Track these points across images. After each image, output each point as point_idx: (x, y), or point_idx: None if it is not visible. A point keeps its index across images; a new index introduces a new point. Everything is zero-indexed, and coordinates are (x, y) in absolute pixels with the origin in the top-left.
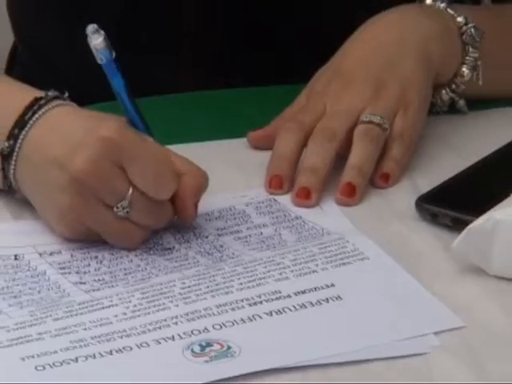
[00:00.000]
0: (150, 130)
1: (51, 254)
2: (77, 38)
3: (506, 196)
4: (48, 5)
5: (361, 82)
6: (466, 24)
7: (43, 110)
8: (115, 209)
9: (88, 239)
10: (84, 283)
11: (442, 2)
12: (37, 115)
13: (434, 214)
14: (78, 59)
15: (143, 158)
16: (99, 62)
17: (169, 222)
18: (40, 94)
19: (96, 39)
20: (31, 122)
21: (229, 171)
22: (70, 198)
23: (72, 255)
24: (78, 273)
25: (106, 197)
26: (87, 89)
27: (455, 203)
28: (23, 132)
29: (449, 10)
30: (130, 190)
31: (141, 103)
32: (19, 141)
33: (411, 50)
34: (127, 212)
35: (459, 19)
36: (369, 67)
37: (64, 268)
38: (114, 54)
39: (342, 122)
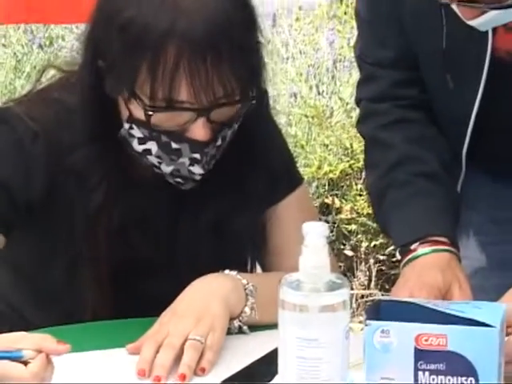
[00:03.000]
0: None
1: None
2: None
3: None
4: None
5: (189, 316)
6: (247, 284)
7: None
8: None
9: None
10: None
11: (234, 272)
12: None
13: None
14: None
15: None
16: None
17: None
18: None
19: None
20: None
21: (116, 366)
22: None
23: None
24: None
25: None
26: None
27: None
28: None
29: (238, 276)
30: None
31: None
32: None
33: (218, 298)
34: None
35: (243, 281)
36: (193, 308)
37: None
38: None
39: (178, 339)
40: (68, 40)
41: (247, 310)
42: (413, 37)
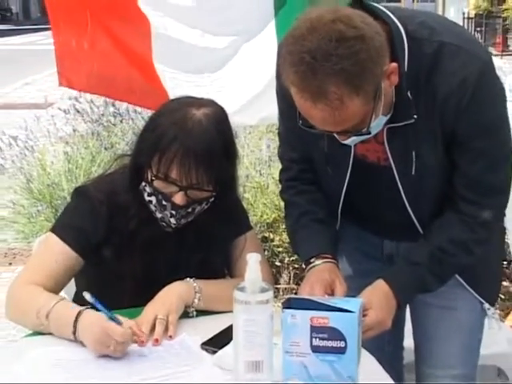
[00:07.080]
0: (117, 321)
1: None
2: None
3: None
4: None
5: (158, 305)
6: (196, 285)
7: (83, 313)
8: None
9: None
10: None
11: (191, 279)
12: (81, 315)
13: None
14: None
15: (112, 333)
16: (89, 300)
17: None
18: (81, 309)
19: (87, 295)
20: (80, 316)
21: None
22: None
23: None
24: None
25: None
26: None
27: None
28: (77, 321)
29: (191, 281)
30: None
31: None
32: (77, 323)
33: (176, 294)
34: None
35: (194, 284)
36: (161, 301)
37: None
38: (96, 299)
39: (151, 318)
40: (121, 144)
41: (196, 300)
42: (309, 144)
